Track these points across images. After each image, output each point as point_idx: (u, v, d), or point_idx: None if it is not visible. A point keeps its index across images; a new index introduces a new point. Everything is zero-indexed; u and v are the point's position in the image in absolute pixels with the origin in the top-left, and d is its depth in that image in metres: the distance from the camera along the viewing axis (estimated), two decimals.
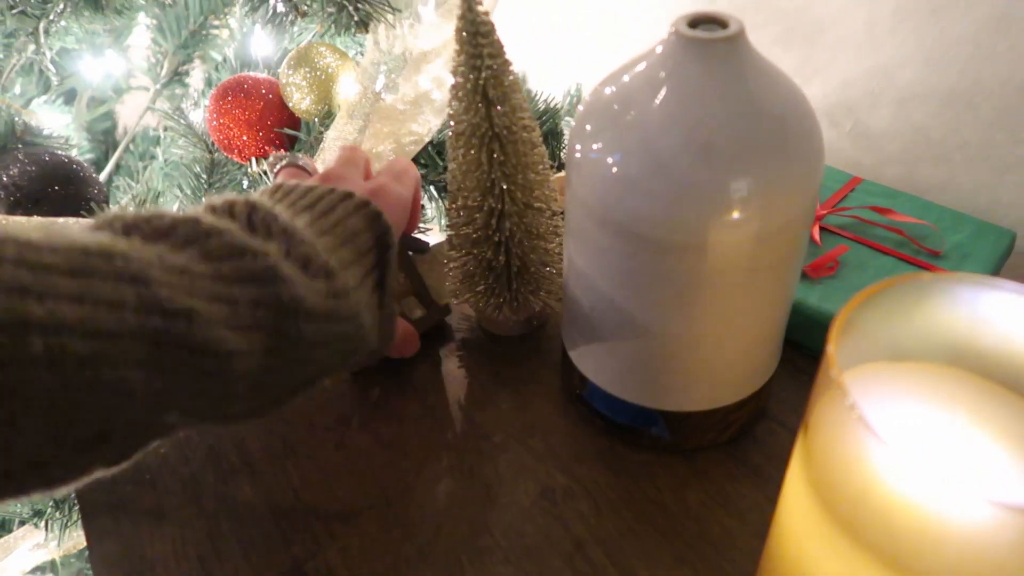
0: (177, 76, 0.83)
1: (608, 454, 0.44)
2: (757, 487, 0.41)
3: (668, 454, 0.43)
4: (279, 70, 0.68)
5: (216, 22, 0.79)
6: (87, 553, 0.48)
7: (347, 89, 0.66)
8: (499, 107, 0.43)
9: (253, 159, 0.70)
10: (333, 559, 0.39)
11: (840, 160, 0.67)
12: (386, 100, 0.53)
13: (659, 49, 0.35)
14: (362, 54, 0.66)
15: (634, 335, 0.39)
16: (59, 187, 0.58)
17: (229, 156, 0.70)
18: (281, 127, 0.69)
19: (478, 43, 0.41)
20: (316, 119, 0.68)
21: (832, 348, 0.24)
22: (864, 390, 0.29)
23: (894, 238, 0.54)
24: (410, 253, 0.50)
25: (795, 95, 0.36)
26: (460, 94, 0.43)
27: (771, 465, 0.42)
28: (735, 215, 0.34)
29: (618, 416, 0.43)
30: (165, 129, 0.77)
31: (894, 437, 0.21)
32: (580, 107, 0.38)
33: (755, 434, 0.44)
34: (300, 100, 0.67)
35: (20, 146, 0.62)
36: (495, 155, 0.45)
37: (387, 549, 0.39)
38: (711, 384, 0.40)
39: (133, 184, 0.77)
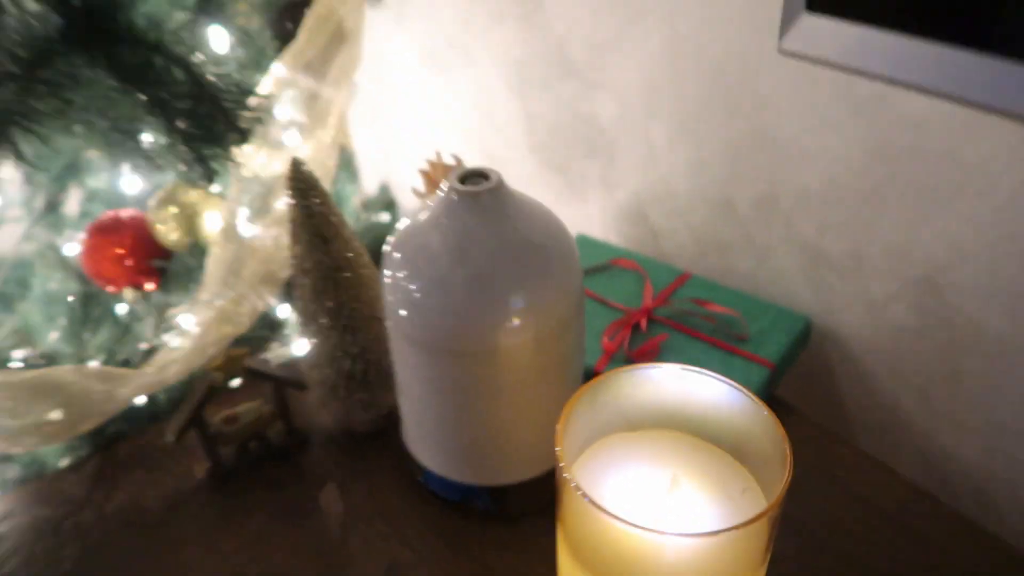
0: (52, 207, 0.88)
1: (445, 528, 0.51)
2: None
3: (496, 523, 0.51)
4: (148, 206, 0.75)
5: (90, 155, 0.85)
6: None
7: (211, 222, 0.74)
8: (333, 243, 0.52)
9: (127, 289, 0.76)
10: None
11: (665, 254, 0.78)
12: (250, 230, 0.61)
13: (440, 200, 0.44)
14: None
15: (450, 427, 0.47)
16: None
17: (102, 288, 0.76)
18: (152, 258, 0.76)
19: (308, 196, 0.50)
20: (185, 250, 0.75)
21: (559, 449, 0.33)
22: (603, 455, 0.39)
23: (709, 326, 0.64)
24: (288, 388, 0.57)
25: (553, 225, 0.46)
26: (302, 239, 0.52)
27: None
28: (512, 323, 0.43)
29: (450, 495, 0.51)
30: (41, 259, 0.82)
31: (612, 501, 0.30)
32: (390, 240, 0.47)
33: None
34: (168, 234, 0.74)
35: None
36: (339, 283, 0.53)
37: None
38: (520, 460, 0.49)
39: (6, 316, 0.81)
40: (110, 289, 0.76)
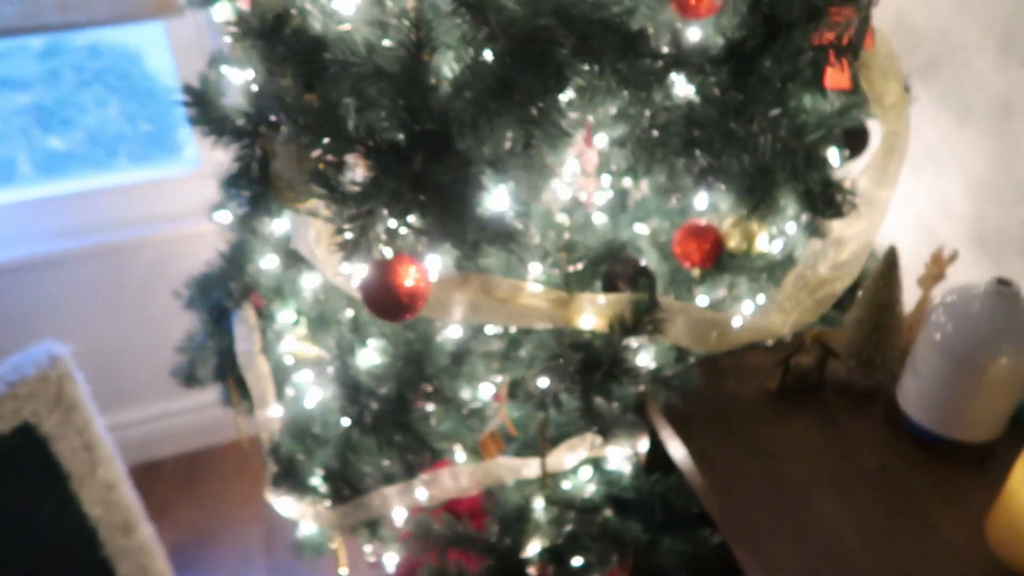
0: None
1: (917, 456, 0.94)
2: (989, 479, 0.90)
3: (950, 463, 0.93)
4: (722, 224, 1.24)
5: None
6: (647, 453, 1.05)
7: (760, 242, 1.21)
8: (890, 290, 0.96)
9: (695, 268, 1.26)
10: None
11: None
12: (820, 268, 1.07)
13: (979, 290, 0.86)
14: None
15: (944, 401, 0.90)
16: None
17: (681, 264, 1.27)
18: (716, 253, 1.25)
19: (890, 262, 0.94)
20: (737, 253, 1.24)
21: None
22: None
23: None
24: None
25: None
26: (876, 288, 0.96)
27: (995, 473, 0.91)
28: (1002, 362, 0.84)
29: (923, 437, 0.94)
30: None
31: None
32: (939, 302, 0.89)
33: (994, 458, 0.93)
34: (730, 242, 1.23)
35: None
36: (882, 312, 0.97)
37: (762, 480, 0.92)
38: (978, 429, 0.90)
39: None
40: (686, 265, 1.27)
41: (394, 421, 1.09)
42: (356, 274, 0.91)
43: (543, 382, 0.95)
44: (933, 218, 1.30)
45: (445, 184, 0.90)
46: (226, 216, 1.67)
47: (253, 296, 1.45)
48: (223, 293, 1.41)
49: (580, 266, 1.00)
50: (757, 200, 0.94)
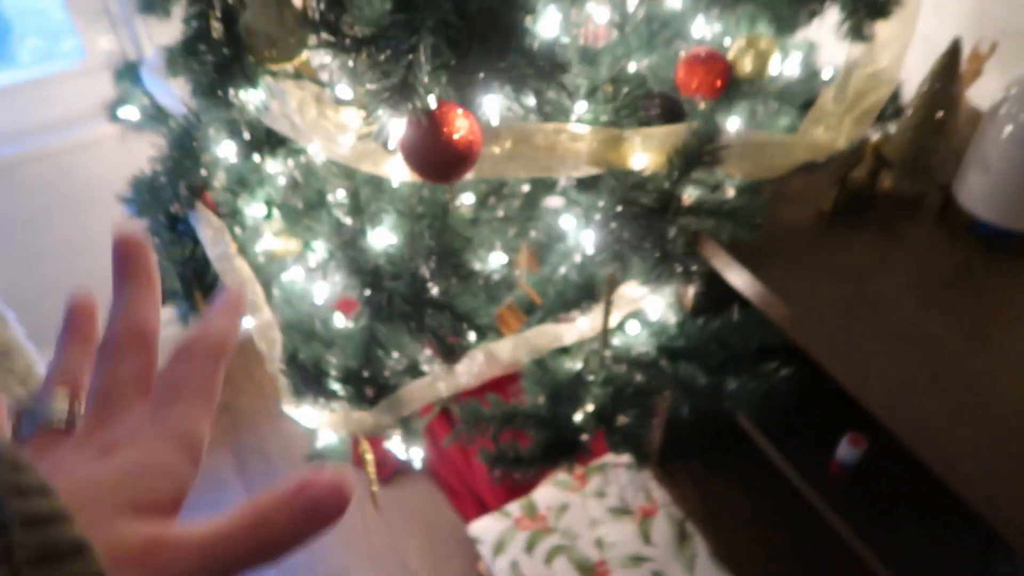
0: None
1: (984, 254, 0.93)
2: None
3: (1014, 254, 0.92)
4: (730, 47, 1.15)
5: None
6: None
7: (774, 62, 1.14)
8: (953, 87, 0.91)
9: (700, 97, 1.18)
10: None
11: None
12: (858, 78, 1.00)
13: None
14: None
15: (1015, 197, 0.88)
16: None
17: (685, 94, 1.18)
18: (724, 80, 1.17)
19: (953, 57, 0.89)
20: (748, 78, 1.16)
21: None
22: None
23: None
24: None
25: None
26: (938, 84, 0.91)
27: None
28: None
29: (989, 233, 0.92)
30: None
31: None
32: (1006, 95, 0.85)
33: None
34: (743, 67, 1.15)
35: None
36: (944, 111, 0.93)
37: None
38: None
39: None
40: (695, 96, 1.18)
41: (430, 302, 0.97)
42: (393, 132, 0.77)
43: (613, 230, 0.86)
44: (929, 25, 1.27)
45: (483, 12, 0.76)
46: (132, 112, 1.44)
47: (205, 196, 1.26)
48: (171, 195, 1.21)
49: (629, 99, 0.90)
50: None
